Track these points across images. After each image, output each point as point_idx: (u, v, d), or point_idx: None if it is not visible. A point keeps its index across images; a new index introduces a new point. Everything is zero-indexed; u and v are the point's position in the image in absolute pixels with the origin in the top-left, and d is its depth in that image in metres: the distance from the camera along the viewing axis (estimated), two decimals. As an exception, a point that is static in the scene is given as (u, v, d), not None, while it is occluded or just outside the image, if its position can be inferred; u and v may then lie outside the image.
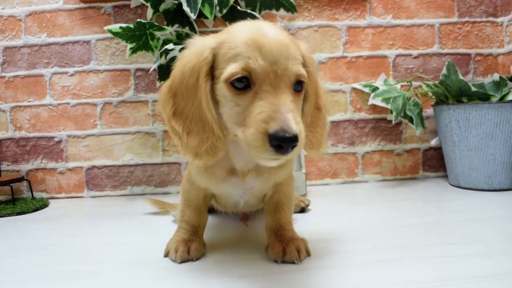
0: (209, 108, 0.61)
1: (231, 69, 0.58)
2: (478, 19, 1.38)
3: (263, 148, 0.54)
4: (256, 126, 0.55)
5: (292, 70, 0.59)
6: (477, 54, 1.39)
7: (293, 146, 0.54)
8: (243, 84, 0.58)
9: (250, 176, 0.70)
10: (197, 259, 0.73)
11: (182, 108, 0.64)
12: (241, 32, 0.60)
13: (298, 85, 0.61)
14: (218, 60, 0.61)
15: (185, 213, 0.78)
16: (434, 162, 1.41)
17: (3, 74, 1.35)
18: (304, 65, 0.63)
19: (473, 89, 1.17)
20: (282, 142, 0.53)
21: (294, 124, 0.54)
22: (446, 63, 1.20)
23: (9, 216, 1.14)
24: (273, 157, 0.55)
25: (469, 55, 1.39)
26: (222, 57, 0.60)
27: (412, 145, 1.40)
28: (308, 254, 0.71)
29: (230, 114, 0.60)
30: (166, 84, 0.66)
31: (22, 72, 1.35)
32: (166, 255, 0.74)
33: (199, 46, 0.62)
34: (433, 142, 1.39)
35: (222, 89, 0.60)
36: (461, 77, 1.18)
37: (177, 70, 0.64)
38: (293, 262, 0.68)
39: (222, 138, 0.63)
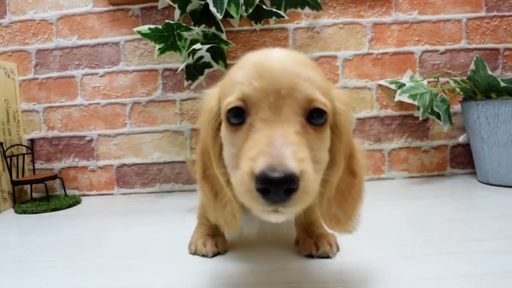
0: (216, 162, 0.53)
1: (225, 103, 0.48)
2: (507, 13, 1.35)
3: (249, 194, 0.41)
4: (243, 166, 0.43)
5: (302, 91, 0.46)
6: (506, 49, 1.36)
7: (290, 191, 0.40)
8: (240, 118, 0.48)
9: None
10: (224, 252, 0.75)
11: (209, 169, 0.56)
12: (242, 61, 0.51)
13: (318, 117, 0.47)
14: (221, 102, 0.51)
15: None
16: (462, 159, 1.39)
17: (36, 76, 1.40)
18: (334, 109, 0.51)
19: (502, 84, 1.15)
20: (268, 185, 0.39)
21: (292, 159, 0.40)
22: (474, 58, 1.18)
23: (44, 212, 1.19)
24: (266, 208, 0.42)
25: (497, 50, 1.37)
26: (223, 96, 0.51)
27: (440, 142, 1.39)
28: (338, 249, 0.72)
29: (227, 158, 0.50)
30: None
31: (54, 74, 1.40)
32: (194, 252, 0.75)
33: (207, 97, 0.56)
34: (461, 139, 1.37)
35: (223, 132, 0.51)
36: (489, 72, 1.16)
37: (201, 129, 0.57)
38: (327, 257, 0.69)
39: (234, 201, 0.54)
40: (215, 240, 0.75)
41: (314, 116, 0.47)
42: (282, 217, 0.44)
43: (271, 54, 0.49)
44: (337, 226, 0.56)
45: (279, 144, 0.41)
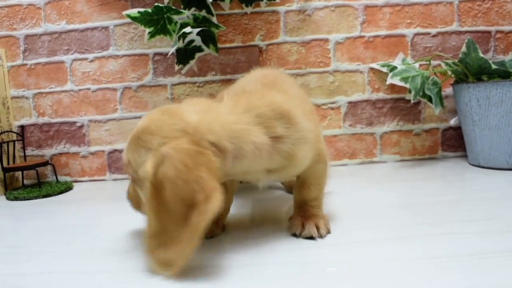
0: None
1: None
2: (499, -5, 1.35)
3: None
4: None
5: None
6: (498, 32, 1.36)
7: None
8: None
9: (263, 179, 0.69)
10: (210, 237, 0.75)
11: None
12: None
13: None
14: None
15: None
16: (453, 142, 1.40)
17: (25, 61, 1.38)
18: None
19: (494, 66, 1.15)
20: None
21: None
22: (466, 40, 1.18)
23: (35, 198, 1.18)
24: None
25: (489, 32, 1.36)
26: None
27: (431, 125, 1.39)
28: (327, 231, 0.72)
29: None
30: None
31: (43, 60, 1.38)
32: None
33: None
34: (453, 122, 1.37)
35: None
36: (481, 54, 1.16)
37: None
38: (311, 238, 0.70)
39: None
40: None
41: None
42: None
43: None
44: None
45: None
